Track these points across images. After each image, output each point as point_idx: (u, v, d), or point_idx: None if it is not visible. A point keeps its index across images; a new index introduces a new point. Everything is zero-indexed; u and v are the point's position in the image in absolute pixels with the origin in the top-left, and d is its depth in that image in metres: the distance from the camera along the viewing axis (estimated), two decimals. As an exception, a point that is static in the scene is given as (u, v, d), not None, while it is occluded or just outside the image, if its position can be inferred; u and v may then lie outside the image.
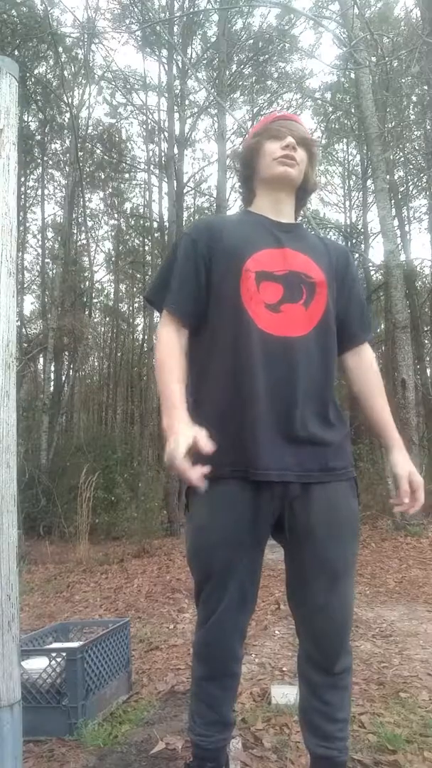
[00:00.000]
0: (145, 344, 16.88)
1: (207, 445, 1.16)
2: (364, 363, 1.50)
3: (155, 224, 13.27)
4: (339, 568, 1.31)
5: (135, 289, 18.84)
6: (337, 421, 1.37)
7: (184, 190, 12.22)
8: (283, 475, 1.28)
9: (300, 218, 1.59)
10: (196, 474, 1.15)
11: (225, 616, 1.32)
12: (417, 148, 12.11)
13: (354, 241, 15.29)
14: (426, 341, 14.42)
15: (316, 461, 1.31)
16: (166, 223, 11.29)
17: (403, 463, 1.40)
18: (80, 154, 12.29)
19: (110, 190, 15.43)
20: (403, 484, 1.36)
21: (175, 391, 1.29)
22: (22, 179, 13.20)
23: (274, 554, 1.47)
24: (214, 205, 12.53)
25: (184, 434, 1.17)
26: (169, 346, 1.36)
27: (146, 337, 16.72)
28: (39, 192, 14.66)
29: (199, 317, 1.39)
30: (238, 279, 1.33)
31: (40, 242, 15.51)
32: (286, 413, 1.30)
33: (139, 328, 19.13)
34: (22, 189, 13.47)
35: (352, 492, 1.37)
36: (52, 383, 12.93)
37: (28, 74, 10.81)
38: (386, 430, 1.44)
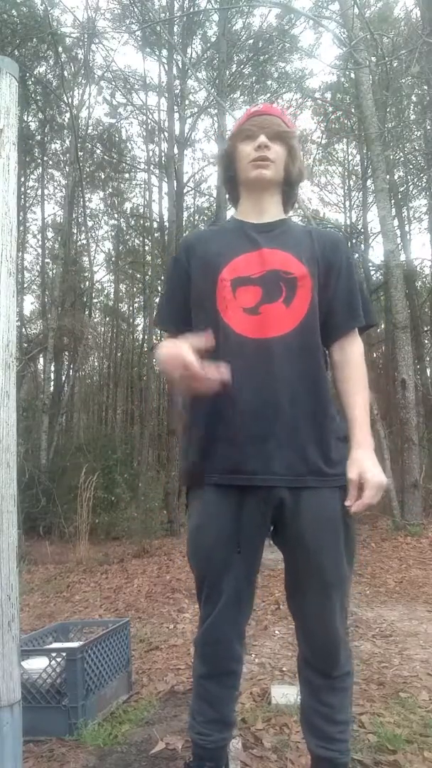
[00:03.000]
0: (145, 344, 16.87)
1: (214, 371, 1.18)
2: (348, 358, 1.40)
3: (155, 224, 13.25)
4: (332, 579, 1.30)
5: (135, 289, 18.83)
6: (331, 422, 1.33)
7: (184, 190, 12.21)
8: (267, 480, 1.26)
9: (296, 216, 1.55)
10: (209, 371, 1.18)
11: (222, 615, 1.32)
12: (417, 148, 12.10)
13: (354, 241, 15.27)
14: (426, 341, 14.40)
15: (305, 465, 1.28)
16: (166, 223, 11.27)
17: (356, 465, 1.30)
18: (80, 154, 12.26)
19: (110, 190, 15.42)
20: (351, 489, 1.29)
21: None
22: (22, 179, 13.18)
23: (273, 554, 1.47)
24: (214, 205, 12.52)
25: (182, 344, 1.21)
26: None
27: (146, 337, 16.73)
28: (39, 192, 14.65)
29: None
30: (214, 289, 1.35)
31: (40, 242, 15.50)
32: (271, 416, 1.28)
33: (139, 328, 19.12)
34: (22, 189, 13.45)
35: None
36: (52, 383, 12.91)
37: (28, 74, 10.80)
38: (354, 429, 1.35)
